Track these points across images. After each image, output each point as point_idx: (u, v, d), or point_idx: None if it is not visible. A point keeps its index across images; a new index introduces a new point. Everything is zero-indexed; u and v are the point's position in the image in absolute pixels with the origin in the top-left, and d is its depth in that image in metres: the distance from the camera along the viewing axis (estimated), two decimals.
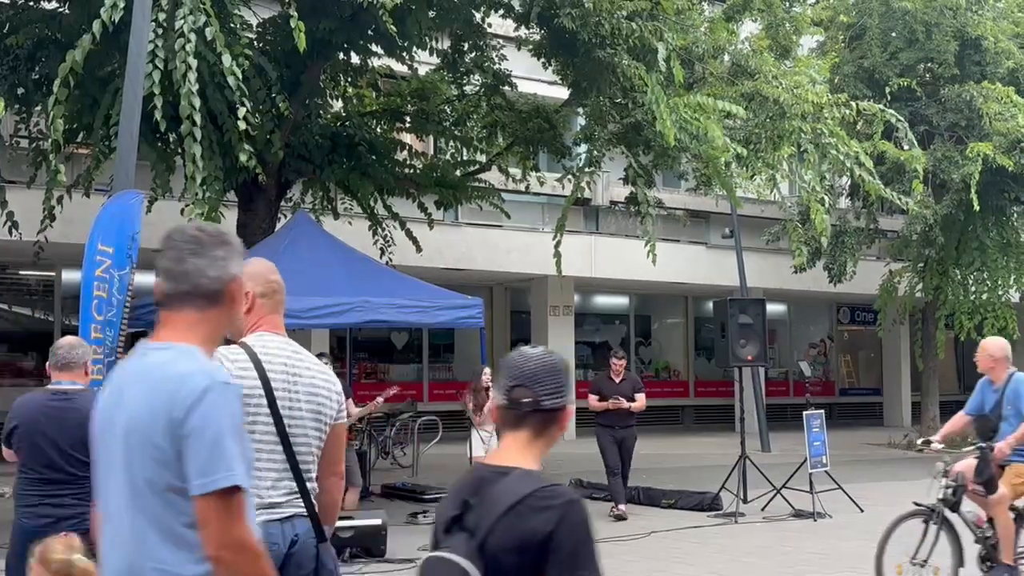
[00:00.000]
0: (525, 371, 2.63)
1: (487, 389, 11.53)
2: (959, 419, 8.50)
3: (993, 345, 8.21)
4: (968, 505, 7.99)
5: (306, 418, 3.67)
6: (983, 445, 7.87)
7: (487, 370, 11.71)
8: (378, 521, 9.84)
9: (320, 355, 11.41)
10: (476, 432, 11.39)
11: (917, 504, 7.88)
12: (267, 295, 3.83)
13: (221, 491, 2.43)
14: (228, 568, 2.47)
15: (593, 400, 12.34)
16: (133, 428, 2.51)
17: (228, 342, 3.73)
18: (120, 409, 2.57)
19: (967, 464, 7.91)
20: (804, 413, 13.04)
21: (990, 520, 7.98)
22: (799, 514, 12.04)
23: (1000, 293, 20.64)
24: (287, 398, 3.63)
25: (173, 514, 2.47)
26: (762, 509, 12.32)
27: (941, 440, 8.30)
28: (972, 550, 7.93)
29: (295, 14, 9.58)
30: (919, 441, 8.52)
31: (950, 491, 7.76)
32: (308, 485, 3.64)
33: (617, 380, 12.41)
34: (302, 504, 3.62)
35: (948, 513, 7.75)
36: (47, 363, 5.38)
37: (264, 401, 3.57)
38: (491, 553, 2.44)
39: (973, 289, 20.90)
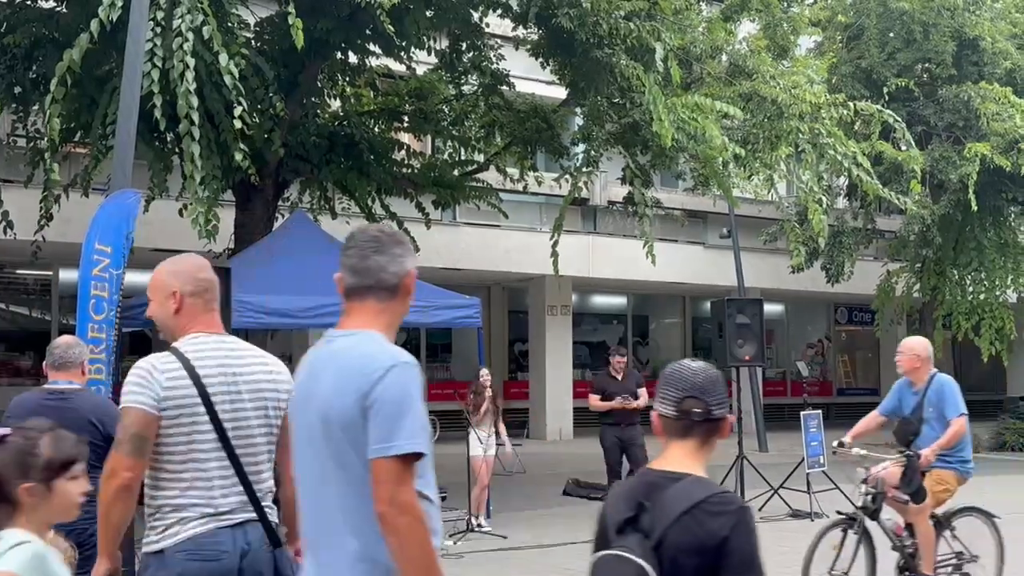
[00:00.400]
0: (695, 383, 2.83)
1: (486, 390, 11.53)
2: (872, 419, 8.10)
3: (919, 344, 7.89)
4: (887, 512, 7.77)
5: (252, 418, 3.54)
6: (909, 453, 7.51)
7: (485, 371, 11.71)
8: None
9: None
10: (474, 432, 11.39)
11: (840, 513, 7.72)
12: (197, 294, 3.65)
13: (399, 456, 2.72)
14: (391, 526, 2.71)
15: (595, 400, 12.29)
16: (330, 406, 2.82)
17: (163, 346, 3.66)
18: (315, 391, 2.89)
19: (887, 471, 7.58)
20: (801, 413, 13.06)
21: (909, 528, 7.72)
22: (796, 514, 12.05)
23: (997, 293, 20.67)
24: (228, 400, 3.51)
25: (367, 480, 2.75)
26: (759, 509, 12.33)
27: (852, 440, 7.83)
28: (890, 558, 7.71)
29: (293, 12, 9.57)
30: (834, 444, 8.05)
31: (869, 498, 7.50)
32: (258, 488, 3.53)
33: (619, 378, 12.38)
34: (252, 510, 3.51)
35: (868, 522, 7.52)
36: (44, 362, 5.37)
37: (202, 408, 3.45)
38: (667, 553, 2.62)
39: (971, 289, 20.93)
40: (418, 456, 2.76)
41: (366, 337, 2.92)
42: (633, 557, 2.61)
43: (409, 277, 3.07)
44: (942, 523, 7.86)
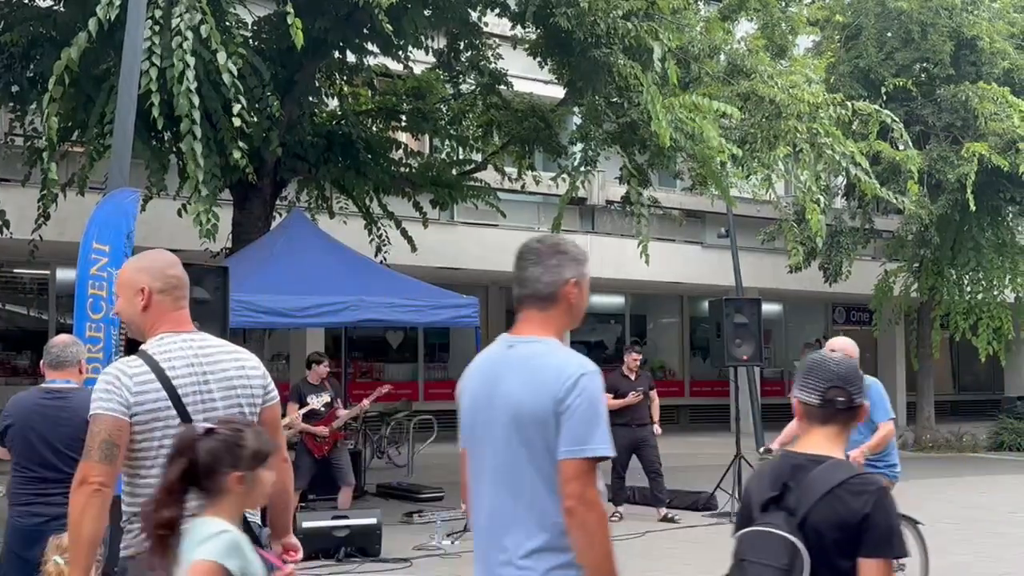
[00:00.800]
0: (839, 374, 3.10)
1: None
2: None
3: (851, 345, 7.37)
4: None
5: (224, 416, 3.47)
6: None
7: None
8: (373, 521, 9.83)
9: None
10: None
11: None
12: (166, 291, 3.57)
13: (590, 458, 2.94)
14: (579, 520, 2.92)
15: (608, 399, 12.18)
16: (520, 410, 3.01)
17: (132, 345, 3.59)
18: (500, 391, 3.09)
19: None
20: None
21: None
22: None
23: (995, 293, 20.68)
24: (199, 400, 3.45)
25: (554, 480, 2.96)
26: None
27: (779, 447, 7.41)
28: None
29: (291, 11, 9.56)
30: (760, 450, 7.70)
31: None
32: None
33: (633, 377, 12.30)
34: None
35: None
36: (41, 362, 5.36)
37: (173, 411, 3.39)
38: (812, 529, 2.90)
39: (968, 289, 20.93)
40: (605, 458, 2.99)
41: (552, 344, 3.13)
42: (782, 532, 2.91)
43: (568, 285, 3.20)
44: None
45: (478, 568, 3.16)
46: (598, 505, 2.97)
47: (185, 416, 3.40)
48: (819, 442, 3.07)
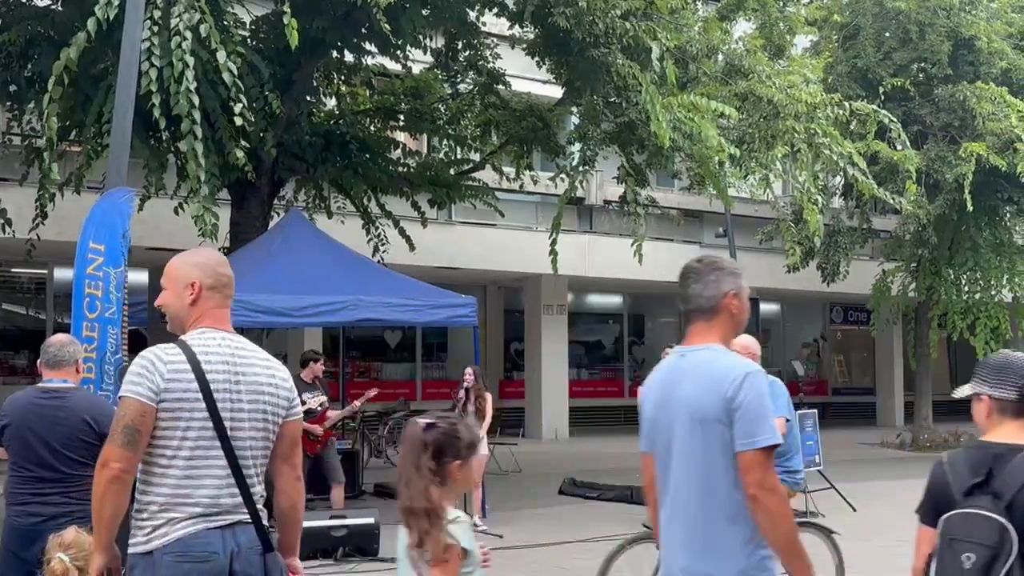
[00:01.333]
0: None
1: (467, 389, 11.47)
2: None
3: (753, 342, 7.18)
4: None
5: (248, 419, 3.49)
6: None
7: (469, 370, 11.69)
8: (371, 520, 9.83)
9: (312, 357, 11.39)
10: None
11: (648, 527, 6.49)
12: (216, 288, 3.63)
13: (763, 448, 3.27)
14: (763, 505, 3.26)
15: None
16: (696, 410, 3.37)
17: (135, 344, 3.61)
18: (677, 395, 3.45)
19: None
20: (797, 412, 13.04)
21: None
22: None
23: (993, 293, 20.69)
24: (228, 399, 3.45)
25: (734, 472, 3.30)
26: None
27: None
28: None
29: (288, 11, 9.56)
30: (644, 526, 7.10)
31: None
32: (252, 491, 3.48)
33: None
34: (246, 511, 3.46)
35: None
36: (38, 361, 5.35)
37: (201, 404, 3.41)
38: (1018, 511, 3.21)
39: (966, 289, 20.94)
40: (777, 446, 3.32)
41: (719, 351, 3.49)
42: (991, 514, 3.23)
43: (728, 297, 3.53)
44: None
45: (668, 556, 3.51)
46: (777, 490, 3.32)
47: (213, 410, 3.40)
48: (1013, 432, 3.42)
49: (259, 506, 3.51)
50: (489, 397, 11.57)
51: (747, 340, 6.93)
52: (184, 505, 3.37)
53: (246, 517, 3.44)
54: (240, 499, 3.44)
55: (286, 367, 3.77)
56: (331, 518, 9.83)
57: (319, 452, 10.96)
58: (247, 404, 3.50)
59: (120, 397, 3.42)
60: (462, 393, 11.50)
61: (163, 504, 3.38)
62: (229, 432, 3.43)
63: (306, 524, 9.59)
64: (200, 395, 3.40)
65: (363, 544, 9.70)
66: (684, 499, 3.43)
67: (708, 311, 3.54)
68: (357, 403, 11.70)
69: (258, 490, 3.52)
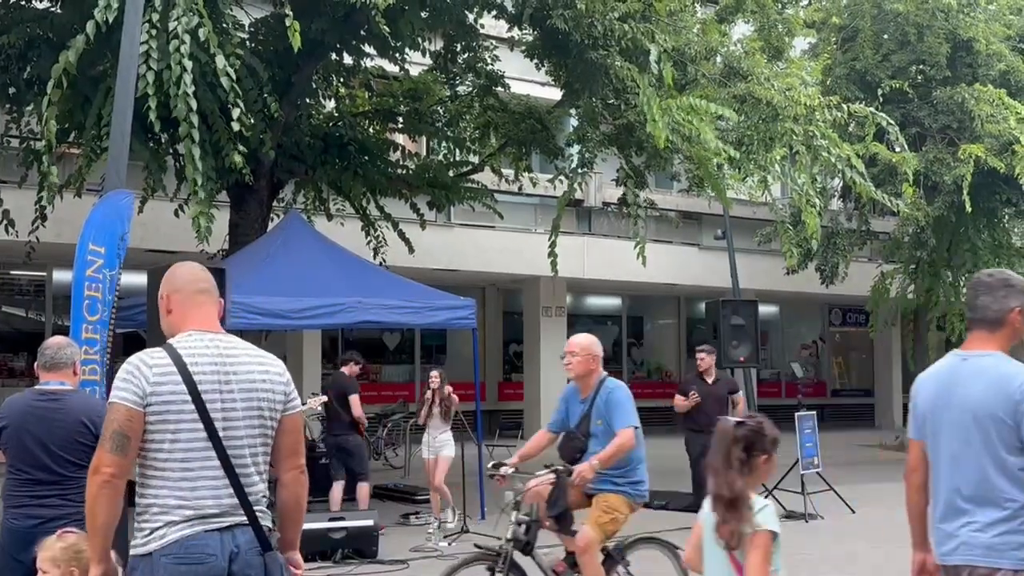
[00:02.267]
0: None
1: (433, 391, 11.46)
2: (541, 436, 6.91)
3: (594, 343, 6.65)
4: (550, 539, 6.66)
5: (243, 418, 3.49)
6: (559, 468, 6.30)
7: (435, 373, 11.72)
8: (370, 522, 9.84)
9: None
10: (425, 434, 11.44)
11: (479, 547, 6.48)
12: (183, 291, 3.68)
13: None
14: None
15: (679, 400, 12.05)
16: (979, 409, 3.84)
17: (129, 346, 3.67)
18: (961, 395, 3.91)
19: (537, 490, 6.34)
20: (796, 414, 13.07)
21: (571, 560, 6.42)
22: (791, 515, 12.05)
23: None
24: (219, 399, 3.46)
25: (1013, 462, 3.78)
26: None
27: (517, 464, 6.54)
28: None
29: (290, 14, 9.56)
30: (489, 465, 6.69)
31: (522, 528, 6.22)
32: (250, 490, 3.48)
33: (710, 380, 12.13)
34: (243, 513, 3.46)
35: (518, 556, 6.24)
36: (35, 363, 5.35)
37: (190, 405, 3.41)
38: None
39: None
40: None
41: (1001, 357, 3.93)
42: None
43: (1014, 313, 3.96)
44: (614, 557, 6.53)
45: (939, 537, 3.97)
46: None
47: (202, 411, 3.41)
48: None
49: (259, 506, 3.51)
50: (456, 400, 11.50)
51: (585, 340, 6.64)
52: (180, 508, 3.38)
53: (243, 519, 3.44)
54: (237, 500, 3.44)
55: (284, 367, 3.77)
56: (330, 520, 9.84)
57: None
58: (241, 402, 3.51)
59: (108, 403, 3.45)
60: (429, 394, 11.50)
61: (161, 507, 3.39)
62: (222, 432, 3.44)
63: (305, 526, 9.66)
64: (188, 396, 3.42)
65: (362, 546, 9.71)
66: (954, 484, 3.89)
67: (993, 322, 3.96)
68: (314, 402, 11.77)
69: (258, 488, 3.52)
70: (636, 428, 6.35)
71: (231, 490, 3.44)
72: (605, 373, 6.61)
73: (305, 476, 3.74)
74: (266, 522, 3.52)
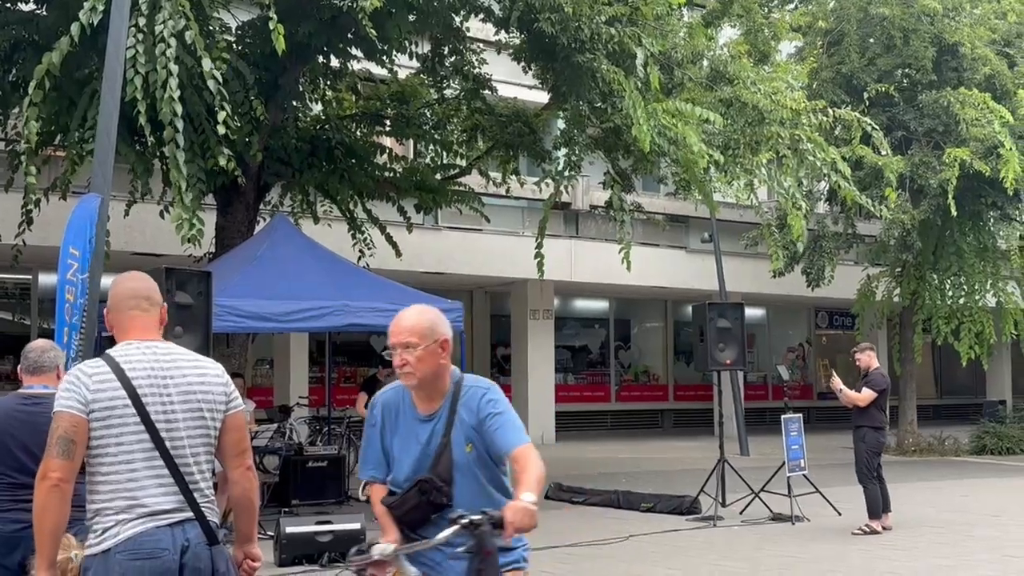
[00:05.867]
0: None
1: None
2: (380, 494, 4.12)
3: (431, 321, 4.11)
4: None
5: (183, 420, 3.58)
6: (473, 517, 3.64)
7: (387, 371, 11.72)
8: (357, 525, 9.81)
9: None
10: None
11: None
12: (114, 307, 3.75)
13: None
14: None
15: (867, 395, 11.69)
16: None
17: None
18: None
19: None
20: (782, 417, 13.09)
21: None
22: (777, 517, 12.08)
23: (977, 298, 20.78)
24: (159, 403, 3.55)
25: None
26: (740, 513, 12.36)
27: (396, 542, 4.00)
28: None
29: (274, 16, 9.56)
30: (351, 552, 4.07)
31: None
32: (194, 488, 3.57)
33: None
34: (190, 509, 3.54)
35: None
36: (19, 367, 5.33)
37: (131, 409, 3.50)
38: None
39: (950, 294, 21.03)
40: None
41: None
42: None
43: None
44: None
45: None
46: None
47: (144, 415, 3.51)
48: None
49: (204, 501, 3.60)
50: None
51: (423, 319, 4.07)
52: (131, 507, 3.47)
53: (191, 515, 3.54)
54: (183, 497, 3.54)
55: (222, 369, 3.83)
56: (317, 523, 9.81)
57: None
58: (179, 405, 3.59)
59: (53, 413, 3.55)
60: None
61: (112, 508, 3.48)
62: (164, 434, 3.53)
63: (291, 529, 9.67)
64: (129, 401, 3.51)
65: (348, 549, 9.67)
66: None
67: None
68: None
69: (202, 487, 3.61)
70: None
71: (177, 488, 3.53)
72: (456, 368, 4.14)
73: (253, 472, 3.83)
74: (213, 517, 3.61)
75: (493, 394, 3.98)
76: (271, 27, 9.50)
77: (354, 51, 13.17)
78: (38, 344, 5.40)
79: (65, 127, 11.28)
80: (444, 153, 16.25)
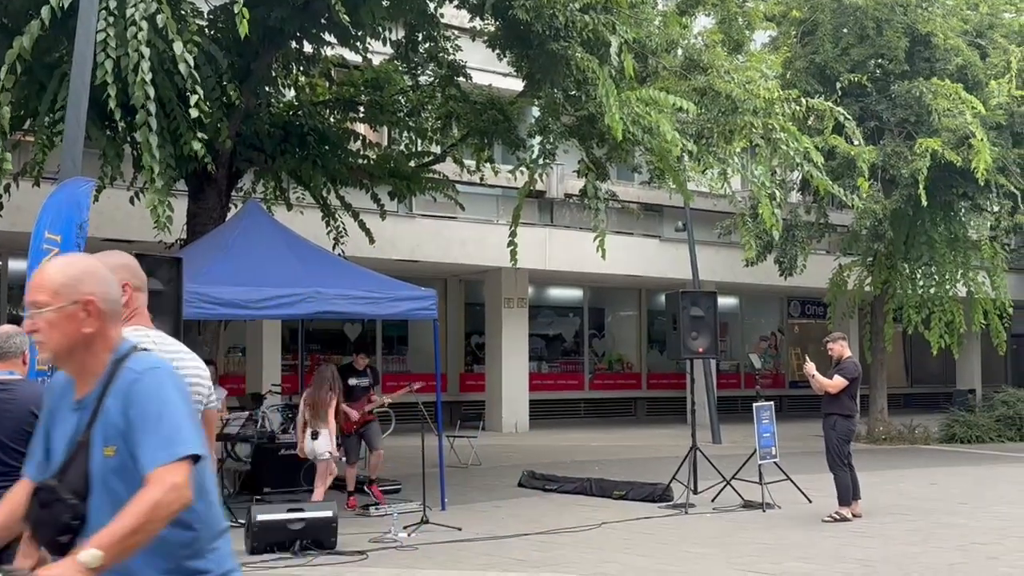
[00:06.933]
0: None
1: (329, 387, 11.43)
2: (20, 492, 3.02)
3: (81, 271, 2.99)
4: None
5: None
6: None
7: (328, 368, 11.85)
8: (329, 513, 9.80)
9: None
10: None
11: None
12: (140, 288, 3.73)
13: None
14: None
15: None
16: None
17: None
18: None
19: None
20: (754, 405, 13.16)
21: None
22: (748, 505, 12.15)
23: (947, 287, 20.95)
24: None
25: None
26: (712, 500, 12.42)
27: None
28: None
29: (239, 0, 9.47)
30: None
31: None
32: None
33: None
34: None
35: None
36: None
37: None
38: None
39: (921, 283, 21.19)
40: None
41: None
42: None
43: None
44: None
45: None
46: None
47: None
48: None
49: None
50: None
51: (67, 270, 2.92)
52: None
53: None
54: None
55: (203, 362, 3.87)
56: (288, 511, 9.78)
57: (356, 430, 12.33)
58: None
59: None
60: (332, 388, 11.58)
61: None
62: None
63: (263, 517, 9.63)
64: None
65: (321, 537, 9.67)
66: None
67: None
68: (397, 393, 12.68)
69: None
70: (195, 461, 2.77)
71: None
72: (131, 342, 2.98)
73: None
74: None
75: (151, 379, 2.80)
76: (236, 11, 9.41)
77: (327, 37, 13.09)
78: (3, 329, 5.35)
79: (35, 111, 11.16)
80: (418, 140, 16.20)
